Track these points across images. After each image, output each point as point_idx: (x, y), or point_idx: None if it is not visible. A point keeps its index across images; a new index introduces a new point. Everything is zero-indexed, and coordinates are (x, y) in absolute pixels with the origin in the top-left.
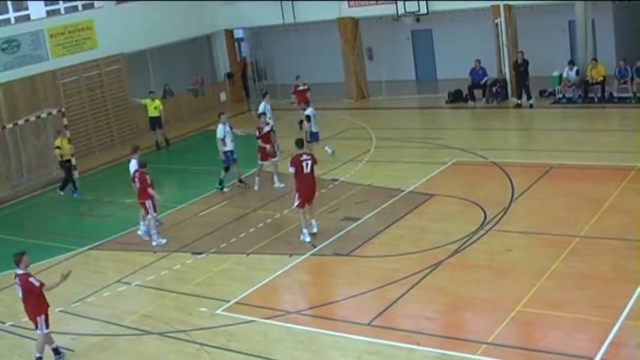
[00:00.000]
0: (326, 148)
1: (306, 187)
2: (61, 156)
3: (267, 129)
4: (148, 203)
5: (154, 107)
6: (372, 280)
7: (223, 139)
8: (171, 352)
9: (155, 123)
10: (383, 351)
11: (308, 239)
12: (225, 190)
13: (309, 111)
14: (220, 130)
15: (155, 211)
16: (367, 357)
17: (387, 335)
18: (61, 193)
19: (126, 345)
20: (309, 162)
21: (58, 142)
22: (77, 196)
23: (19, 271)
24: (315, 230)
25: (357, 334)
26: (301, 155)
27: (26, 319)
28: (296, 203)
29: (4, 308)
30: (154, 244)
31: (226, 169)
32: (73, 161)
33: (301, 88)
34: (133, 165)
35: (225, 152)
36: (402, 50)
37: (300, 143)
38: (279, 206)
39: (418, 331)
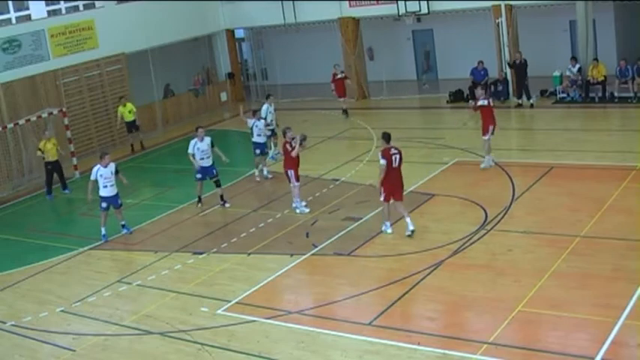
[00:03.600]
0: None
1: (393, 181)
2: (43, 158)
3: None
4: (290, 172)
5: (128, 111)
6: (373, 279)
7: (194, 155)
8: (172, 352)
9: (131, 126)
10: (384, 351)
11: (390, 230)
12: (199, 205)
13: None
14: (191, 145)
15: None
16: (368, 357)
17: (388, 335)
18: (66, 191)
19: (127, 345)
20: (398, 156)
21: (41, 145)
22: (50, 198)
23: None
24: (412, 228)
25: (358, 334)
26: (390, 149)
27: (27, 318)
28: (382, 197)
29: (5, 308)
30: (297, 210)
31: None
32: (74, 161)
33: (339, 76)
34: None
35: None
36: (402, 50)
37: (387, 137)
38: (280, 206)
39: (419, 331)
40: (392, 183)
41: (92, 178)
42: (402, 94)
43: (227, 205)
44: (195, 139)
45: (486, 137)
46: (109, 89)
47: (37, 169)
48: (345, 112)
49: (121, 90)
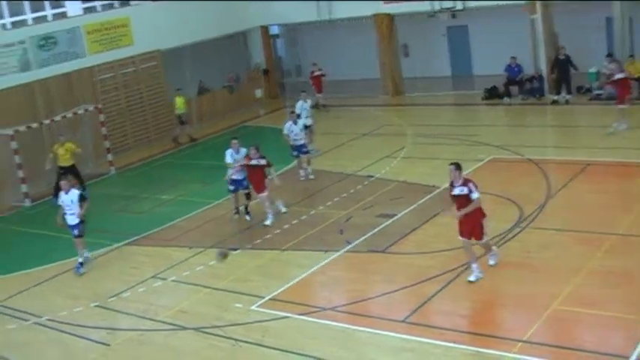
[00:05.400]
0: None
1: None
2: (53, 160)
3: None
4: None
5: (183, 102)
6: (407, 276)
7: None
8: (206, 347)
9: (181, 119)
10: (418, 348)
11: (481, 275)
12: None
13: None
14: (228, 155)
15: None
16: (402, 354)
17: (423, 332)
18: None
19: (161, 340)
20: None
21: (54, 148)
22: (54, 203)
23: None
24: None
25: (392, 330)
26: None
27: (63, 313)
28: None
29: (40, 302)
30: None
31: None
32: (110, 157)
33: (317, 73)
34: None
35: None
36: (437, 46)
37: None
38: (314, 203)
39: (453, 329)
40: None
41: (59, 203)
42: (437, 91)
43: (248, 217)
44: (231, 150)
45: (624, 106)
46: (144, 86)
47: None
48: (323, 106)
49: (156, 86)
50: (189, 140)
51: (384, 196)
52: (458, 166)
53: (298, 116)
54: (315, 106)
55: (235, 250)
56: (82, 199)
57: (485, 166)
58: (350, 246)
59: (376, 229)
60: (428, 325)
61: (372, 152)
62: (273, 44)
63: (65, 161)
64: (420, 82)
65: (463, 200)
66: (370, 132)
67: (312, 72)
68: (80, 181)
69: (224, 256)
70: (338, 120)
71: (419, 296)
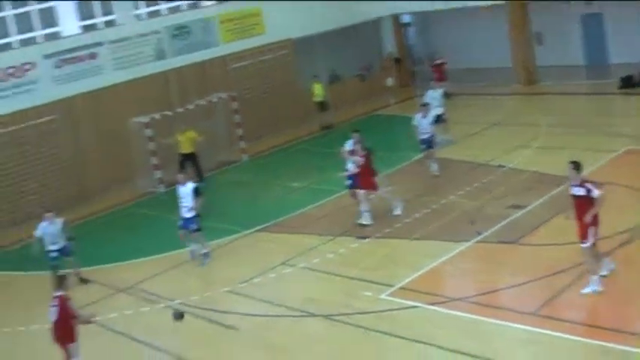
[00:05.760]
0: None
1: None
2: (172, 146)
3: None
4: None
5: (321, 89)
6: (539, 268)
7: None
8: (334, 334)
9: (320, 106)
10: (547, 341)
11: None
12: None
13: None
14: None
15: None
16: (531, 346)
17: (552, 325)
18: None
19: (290, 326)
20: None
21: (176, 136)
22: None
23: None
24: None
25: (521, 323)
26: None
27: (194, 297)
28: (590, 241)
29: (173, 286)
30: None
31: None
32: (242, 145)
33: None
34: None
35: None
36: (571, 35)
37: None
38: (445, 192)
39: (583, 323)
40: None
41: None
42: (570, 80)
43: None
44: (352, 141)
45: None
46: (276, 74)
47: (205, 152)
48: (448, 95)
49: (288, 75)
50: (325, 127)
51: (516, 187)
52: (576, 165)
53: (427, 106)
54: (446, 95)
55: (365, 238)
56: (197, 192)
57: (620, 157)
58: (480, 237)
59: (507, 220)
60: (558, 318)
61: (504, 142)
62: (404, 32)
63: (186, 148)
64: (554, 71)
65: (581, 201)
66: (502, 121)
67: (435, 60)
68: (197, 170)
69: (179, 317)
70: (469, 109)
71: (549, 289)
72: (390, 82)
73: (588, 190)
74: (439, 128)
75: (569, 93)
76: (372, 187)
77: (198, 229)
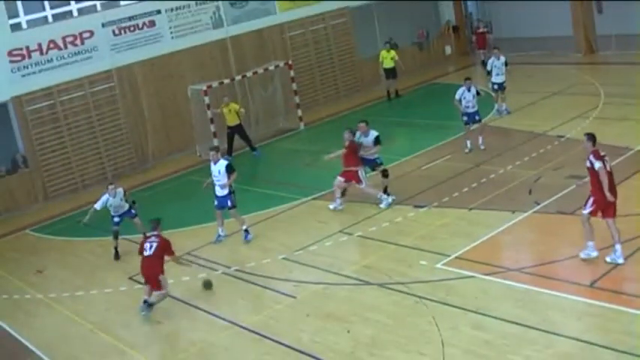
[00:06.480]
0: None
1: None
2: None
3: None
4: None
5: (390, 58)
6: (597, 240)
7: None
8: (389, 303)
9: (389, 73)
10: (603, 314)
11: (595, 254)
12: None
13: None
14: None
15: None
16: (587, 319)
17: (609, 298)
18: (256, 153)
19: (346, 294)
20: (608, 160)
21: (220, 108)
22: (258, 154)
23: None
24: (620, 261)
25: (578, 295)
26: (599, 150)
27: (251, 264)
28: (588, 209)
29: (230, 253)
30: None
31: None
32: (299, 113)
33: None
34: None
35: None
36: (632, 3)
37: (594, 139)
38: (503, 162)
39: None
40: (605, 195)
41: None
42: (632, 49)
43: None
44: (359, 133)
45: None
46: (333, 43)
47: (262, 120)
48: (484, 63)
49: (345, 43)
50: (395, 94)
51: (575, 157)
52: (590, 137)
53: (489, 73)
54: (482, 63)
55: (422, 207)
56: (229, 169)
57: None
58: (538, 207)
59: (565, 191)
60: (615, 290)
61: (563, 112)
62: (462, 1)
63: (231, 121)
64: (614, 41)
65: (591, 173)
66: (562, 91)
67: (478, 28)
68: (246, 140)
69: (208, 286)
70: (529, 78)
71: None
72: (448, 50)
73: (591, 163)
74: (498, 97)
75: (630, 63)
76: (354, 179)
77: (233, 206)
